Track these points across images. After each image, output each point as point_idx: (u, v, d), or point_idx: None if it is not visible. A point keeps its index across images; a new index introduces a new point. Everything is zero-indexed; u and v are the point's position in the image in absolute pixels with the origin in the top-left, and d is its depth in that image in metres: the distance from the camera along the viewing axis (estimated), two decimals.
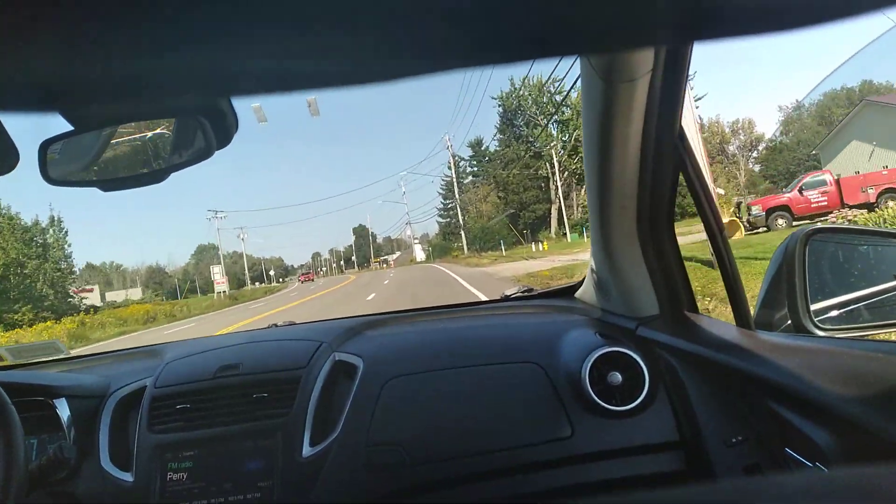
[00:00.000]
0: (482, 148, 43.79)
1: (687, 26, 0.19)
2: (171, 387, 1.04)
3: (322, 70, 0.20)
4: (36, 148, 0.55)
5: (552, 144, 32.61)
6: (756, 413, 0.78)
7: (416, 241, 56.79)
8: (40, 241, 24.95)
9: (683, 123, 0.86)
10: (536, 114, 34.69)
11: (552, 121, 33.44)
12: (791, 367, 0.69)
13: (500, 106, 37.81)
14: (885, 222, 6.53)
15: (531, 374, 1.02)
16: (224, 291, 32.89)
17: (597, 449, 0.95)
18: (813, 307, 0.84)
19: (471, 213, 42.18)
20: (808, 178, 13.68)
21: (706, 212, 0.89)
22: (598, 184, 0.97)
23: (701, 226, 0.92)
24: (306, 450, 0.96)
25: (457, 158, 43.92)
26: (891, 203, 10.70)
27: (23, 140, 0.41)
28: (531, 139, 35.59)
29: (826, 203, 12.84)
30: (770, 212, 12.82)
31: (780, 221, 12.53)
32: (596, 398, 0.95)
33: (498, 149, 40.99)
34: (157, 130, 0.57)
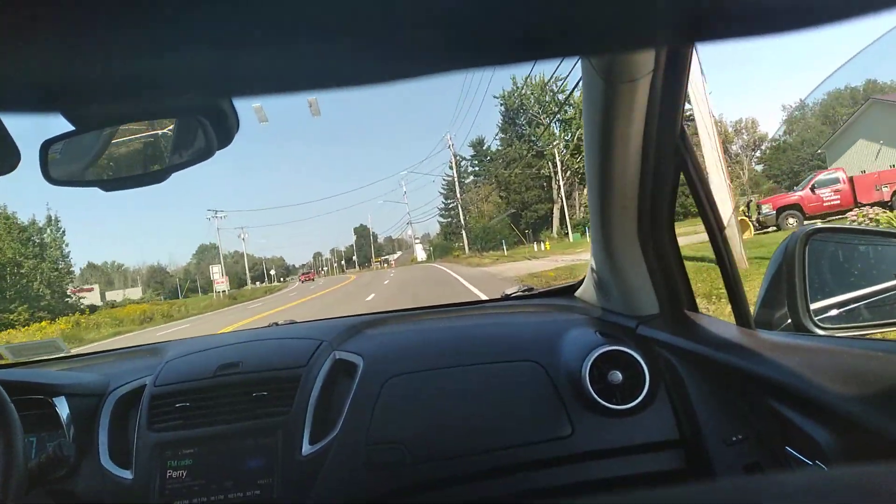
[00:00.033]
0: (484, 147, 43.84)
1: (688, 27, 0.19)
2: (171, 385, 1.04)
3: (323, 70, 0.20)
4: (37, 148, 0.55)
5: (554, 143, 32.58)
6: (756, 412, 0.78)
7: (417, 240, 56.90)
8: (37, 241, 24.94)
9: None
10: (539, 113, 34.66)
11: (554, 120, 33.42)
12: (791, 366, 0.69)
13: (501, 105, 37.84)
14: None
15: (531, 373, 1.02)
16: (224, 291, 32.93)
17: (597, 447, 0.95)
18: (813, 306, 0.84)
19: (472, 213, 42.19)
20: (821, 176, 13.31)
21: (706, 211, 0.89)
22: (599, 183, 0.97)
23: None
24: (306, 448, 0.96)
25: (458, 158, 43.97)
26: None
27: (24, 140, 0.41)
28: (533, 138, 35.58)
29: (839, 202, 12.51)
30: (781, 210, 12.56)
31: (791, 220, 12.21)
32: (596, 397, 0.95)
33: (500, 148, 41.03)
34: (159, 130, 0.57)
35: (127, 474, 0.97)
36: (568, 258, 14.24)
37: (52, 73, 0.19)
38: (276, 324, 1.49)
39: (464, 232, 41.02)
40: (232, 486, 0.94)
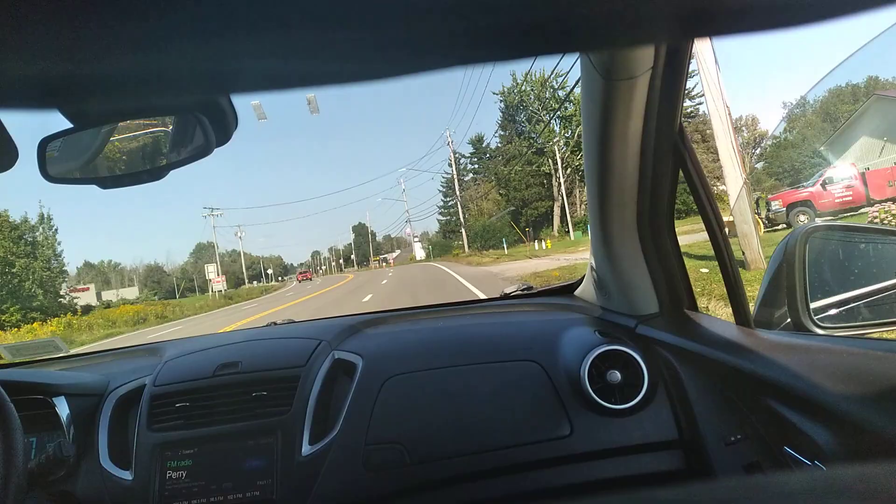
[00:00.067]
0: (483, 144, 43.78)
1: (687, 24, 0.19)
2: (171, 385, 1.04)
3: (322, 67, 0.20)
4: (34, 145, 0.54)
5: (555, 141, 32.55)
6: (755, 411, 0.78)
7: (416, 239, 56.80)
8: (29, 240, 24.70)
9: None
10: (539, 109, 34.59)
11: (555, 117, 33.35)
12: (791, 366, 0.68)
13: (501, 102, 37.77)
14: None
15: (530, 373, 1.02)
16: (221, 290, 32.73)
17: (596, 447, 0.95)
18: (813, 305, 0.84)
19: (472, 211, 42.16)
20: (831, 172, 13.27)
21: (706, 209, 0.89)
22: (599, 181, 0.96)
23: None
24: (305, 448, 0.96)
25: (457, 155, 43.89)
26: None
27: (21, 137, 0.41)
28: (533, 135, 35.51)
29: (851, 198, 12.36)
30: (791, 207, 12.48)
31: (802, 217, 12.02)
32: (595, 396, 0.95)
33: (499, 145, 40.99)
34: (157, 128, 0.56)
35: (126, 475, 0.97)
36: (571, 257, 14.17)
37: (50, 70, 0.18)
38: (275, 323, 1.49)
39: (463, 230, 40.98)
40: (231, 486, 0.94)
